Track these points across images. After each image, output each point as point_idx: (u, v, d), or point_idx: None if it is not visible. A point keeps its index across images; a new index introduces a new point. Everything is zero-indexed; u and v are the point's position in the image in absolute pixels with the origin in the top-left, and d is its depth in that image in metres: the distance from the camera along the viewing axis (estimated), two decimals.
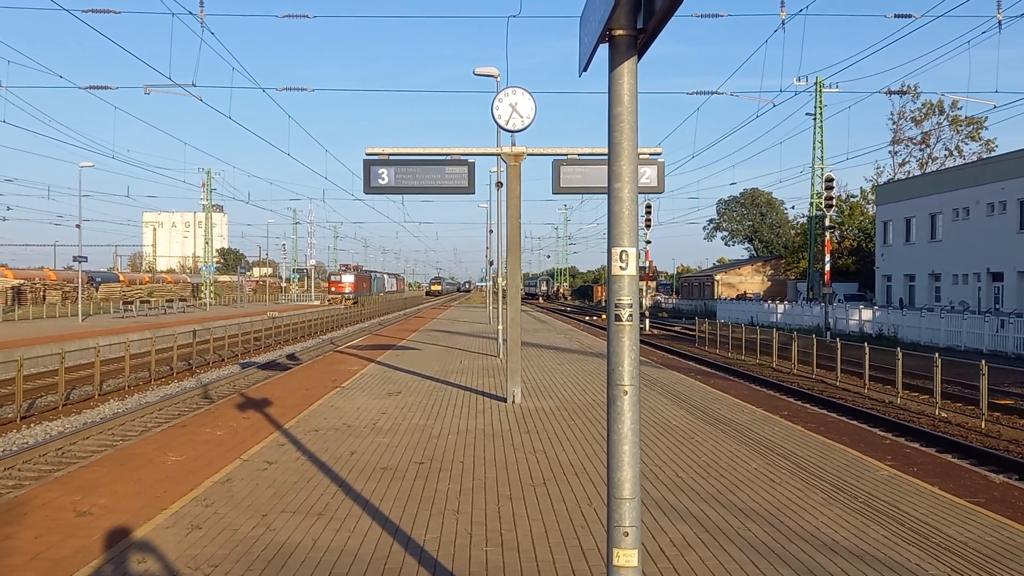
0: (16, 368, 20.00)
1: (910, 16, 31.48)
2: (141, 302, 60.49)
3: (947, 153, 70.70)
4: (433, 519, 7.83)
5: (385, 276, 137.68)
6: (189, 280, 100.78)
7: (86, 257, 50.67)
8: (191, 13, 26.48)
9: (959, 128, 68.95)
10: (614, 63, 3.82)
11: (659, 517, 7.83)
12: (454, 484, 9.21)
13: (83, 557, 6.78)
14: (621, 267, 3.86)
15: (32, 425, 18.84)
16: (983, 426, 17.22)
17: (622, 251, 3.85)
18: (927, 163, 71.54)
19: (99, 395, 23.54)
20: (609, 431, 3.92)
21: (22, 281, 69.43)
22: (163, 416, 19.35)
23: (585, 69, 4.17)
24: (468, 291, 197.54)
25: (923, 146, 71.92)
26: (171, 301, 67.61)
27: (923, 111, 71.00)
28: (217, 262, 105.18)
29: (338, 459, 10.57)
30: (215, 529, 7.50)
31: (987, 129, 68.84)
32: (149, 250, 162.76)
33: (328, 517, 7.89)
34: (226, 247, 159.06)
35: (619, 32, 3.75)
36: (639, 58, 3.83)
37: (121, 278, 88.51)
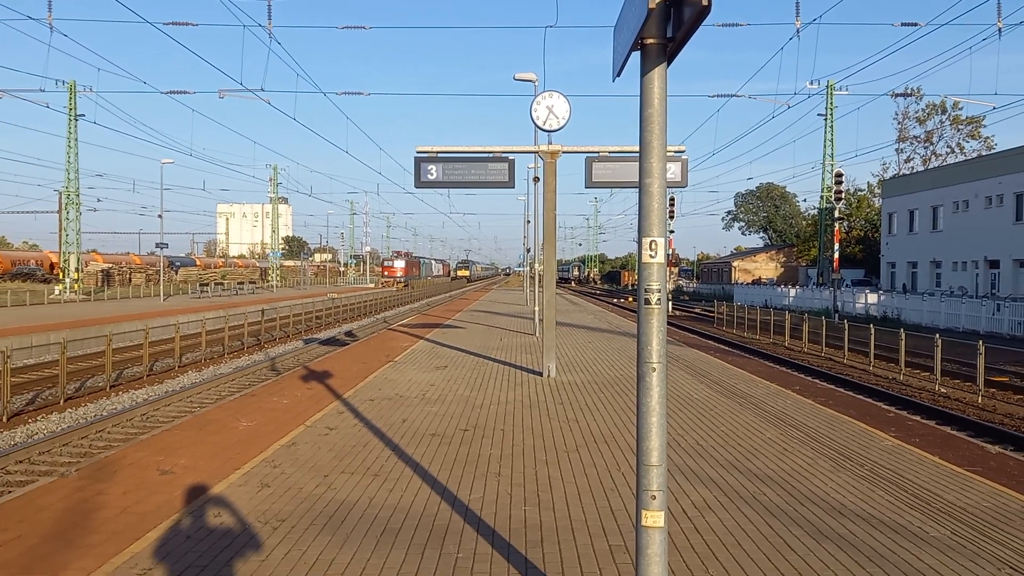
0: (106, 343, 20.37)
1: (916, 24, 30.95)
2: (215, 284, 61.16)
3: (949, 150, 69.36)
4: (477, 480, 7.86)
5: (432, 262, 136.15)
6: (258, 264, 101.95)
7: (167, 244, 51.56)
8: (260, 25, 26.96)
9: (959, 127, 67.62)
10: (645, 69, 3.78)
11: (682, 481, 7.79)
12: (495, 449, 9.23)
13: (166, 511, 6.89)
14: (651, 255, 3.83)
15: (120, 393, 19.20)
16: (980, 401, 16.94)
17: (652, 241, 3.82)
18: (930, 160, 70.21)
19: (179, 367, 23.91)
20: (639, 403, 3.90)
21: (111, 265, 70.80)
22: (235, 386, 19.61)
23: (619, 75, 4.13)
24: (508, 275, 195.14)
25: (927, 144, 70.61)
26: (242, 283, 68.34)
27: (926, 112, 69.71)
28: (283, 248, 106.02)
29: (391, 426, 10.65)
30: (282, 487, 7.59)
31: (986, 127, 67.57)
32: (222, 237, 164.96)
33: (383, 478, 7.95)
34: (291, 235, 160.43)
35: (650, 41, 3.72)
36: (668, 64, 3.79)
37: (198, 262, 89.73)
